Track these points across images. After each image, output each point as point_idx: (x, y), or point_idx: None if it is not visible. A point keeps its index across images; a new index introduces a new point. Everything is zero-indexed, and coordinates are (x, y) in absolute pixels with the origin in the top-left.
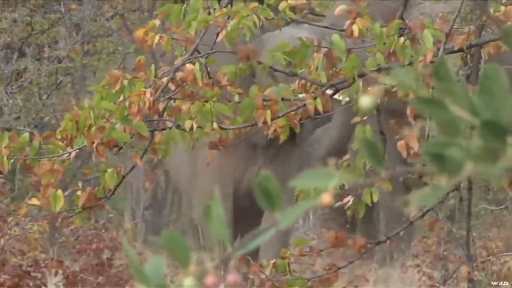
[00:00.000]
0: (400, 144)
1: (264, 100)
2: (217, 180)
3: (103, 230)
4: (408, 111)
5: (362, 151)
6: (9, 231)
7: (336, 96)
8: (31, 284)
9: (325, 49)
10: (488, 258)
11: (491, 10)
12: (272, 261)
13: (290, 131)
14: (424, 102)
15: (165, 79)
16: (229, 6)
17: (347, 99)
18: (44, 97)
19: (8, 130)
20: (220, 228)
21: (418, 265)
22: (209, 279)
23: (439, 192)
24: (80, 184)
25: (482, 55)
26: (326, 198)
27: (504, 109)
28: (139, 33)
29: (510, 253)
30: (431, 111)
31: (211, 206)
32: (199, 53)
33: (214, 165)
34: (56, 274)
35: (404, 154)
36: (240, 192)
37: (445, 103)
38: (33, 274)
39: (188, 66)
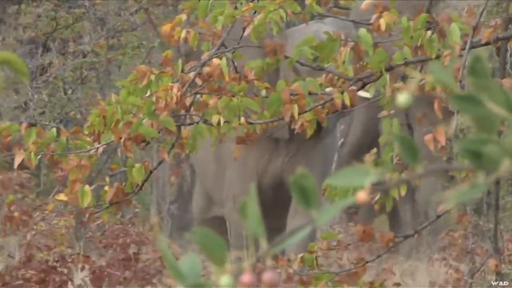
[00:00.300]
0: (428, 138)
1: (291, 94)
2: (241, 174)
3: (130, 225)
4: (436, 105)
5: (394, 146)
6: (35, 226)
7: (360, 93)
8: (57, 279)
9: (352, 43)
10: None
11: None
12: (299, 255)
13: (317, 125)
14: (461, 98)
15: (192, 74)
16: (255, 0)
17: (368, 94)
18: (69, 92)
19: (33, 125)
20: (256, 226)
21: (444, 258)
22: (246, 277)
23: (477, 189)
24: (107, 179)
25: (509, 48)
26: (362, 196)
27: None
28: (166, 28)
29: None
30: (467, 107)
31: (246, 203)
32: (226, 48)
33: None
34: (82, 269)
35: (432, 148)
36: (264, 186)
37: (482, 99)
38: (59, 269)
39: (215, 60)
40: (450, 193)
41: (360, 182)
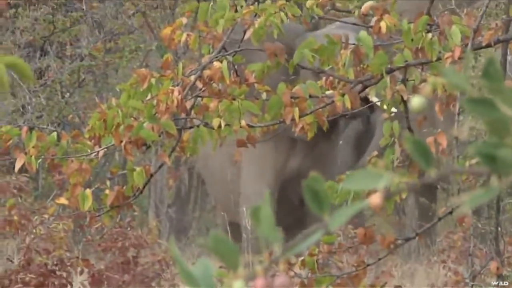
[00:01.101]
0: (429, 140)
1: (291, 97)
2: (260, 173)
3: (128, 228)
4: (437, 108)
5: (396, 148)
6: (34, 230)
7: (372, 98)
8: (56, 283)
9: (353, 46)
10: None
11: None
12: (300, 258)
13: (330, 125)
14: (475, 102)
15: (192, 77)
16: (256, 3)
17: (376, 99)
18: (67, 95)
19: (31, 128)
20: (269, 230)
21: (443, 261)
22: (259, 282)
23: (490, 193)
24: (108, 183)
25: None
26: (375, 199)
27: None
28: (166, 31)
29: None
30: (481, 110)
31: (259, 207)
32: (227, 51)
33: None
34: (81, 272)
35: (433, 151)
36: (283, 184)
37: (496, 102)
38: (58, 273)
39: (216, 64)
40: (465, 197)
41: (374, 186)
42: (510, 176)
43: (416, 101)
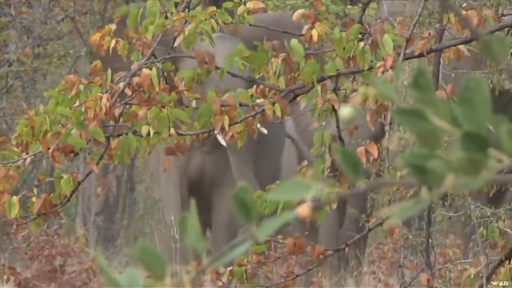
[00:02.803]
0: (360, 150)
1: (221, 105)
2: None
3: (55, 236)
4: (368, 118)
5: (326, 158)
6: None
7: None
8: None
9: (284, 54)
10: (446, 265)
11: (449, 16)
12: (229, 268)
13: None
14: (404, 112)
15: (121, 84)
16: (186, 10)
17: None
18: None
19: None
20: (197, 240)
21: (374, 272)
22: None
23: (420, 205)
24: (35, 190)
25: (442, 60)
26: (303, 210)
27: (486, 121)
28: (95, 37)
29: (468, 260)
30: (411, 121)
31: (186, 217)
32: (156, 58)
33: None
34: (7, 281)
35: (364, 161)
36: (185, 180)
37: (426, 113)
38: None
39: (145, 71)
40: (394, 209)
41: (302, 196)
42: (440, 188)
43: (345, 111)
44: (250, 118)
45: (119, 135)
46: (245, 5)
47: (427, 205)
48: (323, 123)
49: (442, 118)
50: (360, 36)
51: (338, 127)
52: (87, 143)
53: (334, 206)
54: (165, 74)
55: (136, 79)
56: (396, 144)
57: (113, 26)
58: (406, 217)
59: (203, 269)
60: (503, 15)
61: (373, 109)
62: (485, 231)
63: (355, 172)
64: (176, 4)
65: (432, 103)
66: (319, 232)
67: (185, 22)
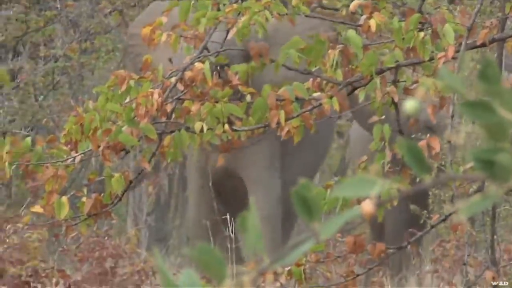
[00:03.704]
0: (422, 144)
1: (277, 99)
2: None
3: (106, 237)
4: (430, 110)
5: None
6: (7, 240)
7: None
8: None
9: (341, 46)
10: (511, 262)
11: None
12: (287, 268)
13: None
14: (472, 105)
15: (173, 79)
16: (239, 1)
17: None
18: (40, 98)
19: (4, 133)
20: (256, 240)
21: (436, 271)
22: None
23: (489, 200)
24: (84, 190)
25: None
26: (367, 207)
27: None
28: (146, 30)
29: None
30: (478, 114)
31: (246, 217)
32: (209, 51)
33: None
34: (57, 284)
35: (426, 155)
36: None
37: (493, 106)
38: (33, 284)
39: (198, 65)
40: (462, 204)
41: (366, 193)
42: (508, 182)
43: (410, 104)
44: (307, 112)
45: (172, 131)
46: None
47: (495, 201)
48: (383, 117)
49: (510, 110)
50: (419, 26)
51: (398, 120)
52: (138, 141)
53: (395, 203)
54: (218, 68)
55: (188, 74)
56: (463, 137)
57: (164, 19)
58: (473, 214)
59: (263, 269)
60: None
61: (435, 101)
62: None
63: (421, 166)
64: None
65: (499, 94)
66: (385, 230)
67: (238, 14)
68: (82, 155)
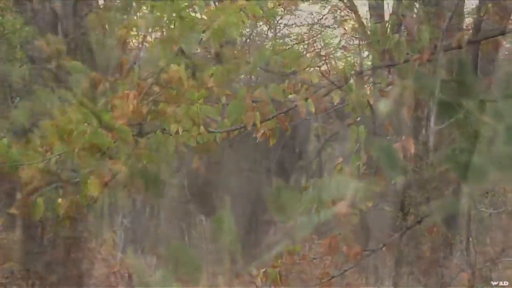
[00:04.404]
0: (396, 146)
1: (253, 101)
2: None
3: (81, 239)
4: (405, 112)
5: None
6: None
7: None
8: None
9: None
10: (486, 264)
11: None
12: (262, 270)
13: None
14: (446, 105)
15: (149, 81)
16: (215, 3)
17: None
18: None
19: None
20: (231, 241)
21: (412, 273)
22: None
23: (463, 201)
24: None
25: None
26: (342, 208)
27: None
28: (122, 32)
29: (509, 259)
30: (452, 115)
31: (221, 216)
32: (184, 54)
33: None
34: (33, 285)
35: (401, 157)
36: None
37: (468, 107)
38: (8, 286)
39: (173, 67)
40: (435, 206)
41: (342, 194)
42: (483, 184)
43: (382, 105)
44: (283, 114)
45: (147, 133)
46: None
47: (469, 202)
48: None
49: (485, 113)
50: (395, 28)
51: (374, 122)
52: (114, 142)
53: (370, 204)
54: (194, 70)
55: (164, 76)
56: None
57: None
58: (446, 215)
59: (238, 271)
60: None
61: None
62: None
63: (395, 169)
64: None
65: (473, 96)
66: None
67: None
68: (57, 156)
